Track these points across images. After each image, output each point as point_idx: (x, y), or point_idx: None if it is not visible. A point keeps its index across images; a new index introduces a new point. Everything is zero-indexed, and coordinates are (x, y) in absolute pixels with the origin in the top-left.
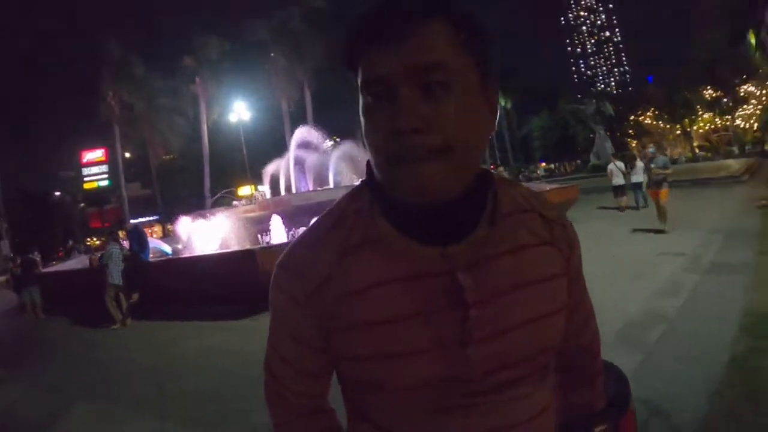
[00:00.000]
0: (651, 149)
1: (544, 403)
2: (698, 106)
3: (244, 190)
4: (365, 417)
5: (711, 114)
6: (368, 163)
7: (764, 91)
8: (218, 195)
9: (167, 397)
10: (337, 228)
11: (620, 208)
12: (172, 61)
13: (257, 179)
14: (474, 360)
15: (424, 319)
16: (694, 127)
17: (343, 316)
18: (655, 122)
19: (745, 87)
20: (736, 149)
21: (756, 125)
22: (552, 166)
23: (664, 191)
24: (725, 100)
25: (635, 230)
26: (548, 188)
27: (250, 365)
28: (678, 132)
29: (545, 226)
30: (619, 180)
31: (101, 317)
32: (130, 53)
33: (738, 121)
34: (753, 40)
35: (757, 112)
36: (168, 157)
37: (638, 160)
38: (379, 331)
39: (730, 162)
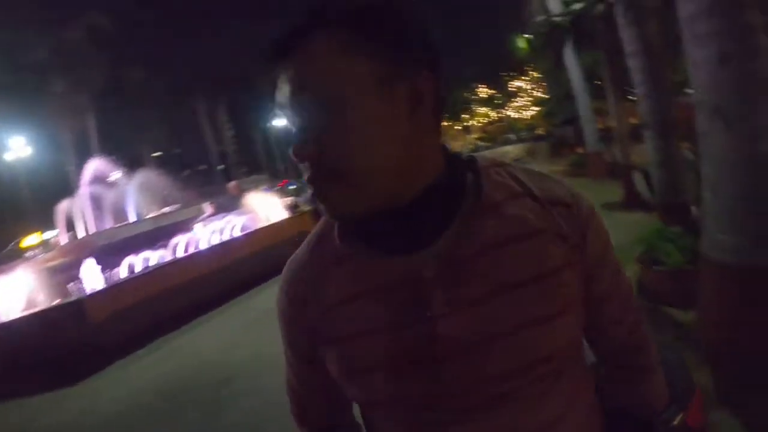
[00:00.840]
0: None
1: (559, 411)
2: (474, 103)
3: (31, 239)
4: (371, 429)
5: (487, 108)
6: None
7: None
8: (7, 248)
9: None
10: (314, 249)
11: None
12: None
13: (47, 224)
14: (448, 376)
15: (391, 334)
16: (472, 122)
17: (322, 334)
18: None
19: (514, 83)
20: (513, 136)
21: (529, 115)
22: None
23: None
24: (498, 95)
25: None
26: None
27: (115, 429)
28: (458, 127)
29: (542, 211)
30: None
31: None
32: None
33: (510, 113)
34: (521, 43)
35: (527, 103)
36: None
37: None
38: (346, 347)
39: (509, 148)
